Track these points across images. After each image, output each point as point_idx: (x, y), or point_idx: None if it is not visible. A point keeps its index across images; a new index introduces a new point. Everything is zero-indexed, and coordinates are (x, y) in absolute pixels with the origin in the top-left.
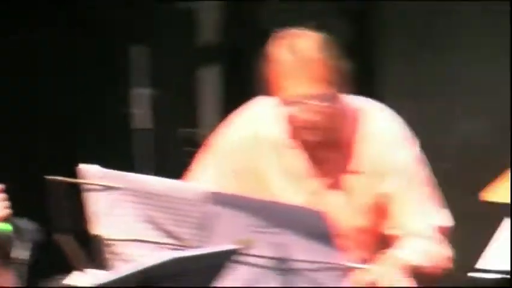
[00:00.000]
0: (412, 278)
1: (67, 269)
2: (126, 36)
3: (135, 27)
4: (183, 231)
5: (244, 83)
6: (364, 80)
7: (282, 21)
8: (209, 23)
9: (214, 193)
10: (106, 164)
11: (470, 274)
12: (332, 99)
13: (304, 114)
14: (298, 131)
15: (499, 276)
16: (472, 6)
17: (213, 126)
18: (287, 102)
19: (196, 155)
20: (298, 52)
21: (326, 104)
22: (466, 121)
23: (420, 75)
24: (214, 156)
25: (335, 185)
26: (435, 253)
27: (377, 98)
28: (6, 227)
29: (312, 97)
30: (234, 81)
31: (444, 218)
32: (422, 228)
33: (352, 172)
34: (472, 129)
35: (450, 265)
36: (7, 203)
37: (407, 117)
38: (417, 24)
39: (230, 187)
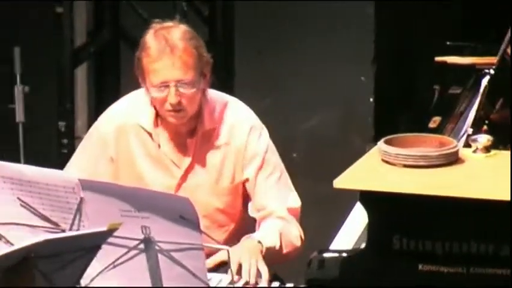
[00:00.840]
0: (268, 258)
1: None
2: (6, 39)
3: (16, 30)
4: (57, 215)
5: (112, 78)
6: (222, 77)
7: (141, 21)
8: (78, 24)
9: (81, 180)
10: None
11: (321, 253)
12: (196, 85)
13: (171, 98)
14: (164, 114)
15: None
16: (313, 8)
17: (85, 120)
18: (155, 87)
19: (72, 146)
20: (167, 40)
21: (190, 88)
22: (314, 113)
23: (273, 72)
24: (91, 145)
25: (198, 169)
26: (287, 232)
27: (233, 92)
28: None
29: (178, 81)
30: (102, 77)
31: (295, 200)
32: (277, 209)
33: (215, 157)
34: (320, 121)
35: (300, 243)
36: None
37: (259, 111)
38: (268, 27)
39: (108, 174)
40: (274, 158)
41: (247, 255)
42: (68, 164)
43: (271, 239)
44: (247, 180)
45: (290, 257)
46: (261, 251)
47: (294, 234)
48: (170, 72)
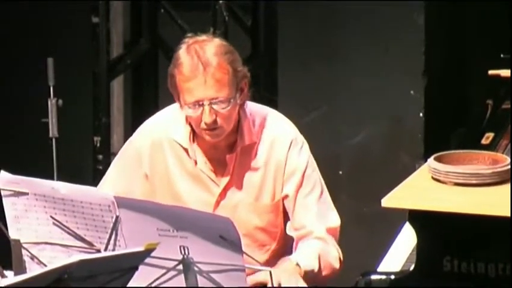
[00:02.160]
0: (306, 280)
1: None
2: (40, 50)
3: (48, 42)
4: (92, 234)
5: (149, 90)
6: (266, 89)
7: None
8: (114, 34)
9: (117, 198)
10: (23, 171)
11: (369, 276)
12: (232, 102)
13: (205, 117)
14: (200, 133)
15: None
16: (359, 18)
17: (122, 134)
18: (189, 105)
19: (108, 162)
20: (199, 56)
21: (225, 106)
22: (362, 129)
23: (319, 85)
24: (125, 161)
25: (237, 186)
26: (326, 254)
27: (276, 107)
28: None
29: (212, 100)
30: (139, 90)
31: (335, 219)
32: (316, 229)
33: (254, 174)
34: (367, 137)
35: (338, 265)
36: None
37: (303, 125)
38: (312, 37)
39: (143, 191)
40: (315, 174)
41: (286, 276)
42: (102, 181)
43: (309, 262)
44: (286, 196)
45: (328, 278)
46: (300, 274)
47: (333, 256)
48: (203, 91)
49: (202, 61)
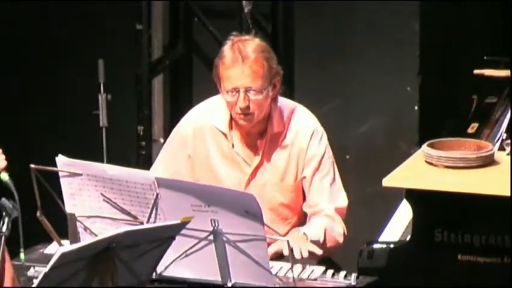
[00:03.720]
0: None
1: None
2: (92, 52)
3: (99, 46)
4: (136, 209)
5: (185, 88)
6: (284, 85)
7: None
8: (155, 40)
9: (157, 178)
10: (77, 155)
11: (371, 245)
12: (264, 92)
13: (240, 103)
14: (235, 117)
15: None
16: (364, 26)
17: (161, 124)
18: (227, 91)
19: (149, 148)
20: (240, 51)
21: (258, 95)
22: (366, 121)
23: (330, 83)
24: (173, 145)
25: (266, 167)
26: (331, 229)
27: (294, 99)
28: (5, 176)
29: (247, 88)
30: (176, 87)
31: (343, 200)
32: (326, 208)
33: (280, 158)
34: (370, 127)
35: (342, 239)
36: (3, 156)
37: (317, 117)
38: (325, 40)
39: (187, 169)
40: (330, 161)
41: (295, 241)
42: (154, 165)
43: (315, 233)
44: (304, 178)
45: (332, 250)
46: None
47: (337, 231)
48: (240, 79)
49: (242, 55)
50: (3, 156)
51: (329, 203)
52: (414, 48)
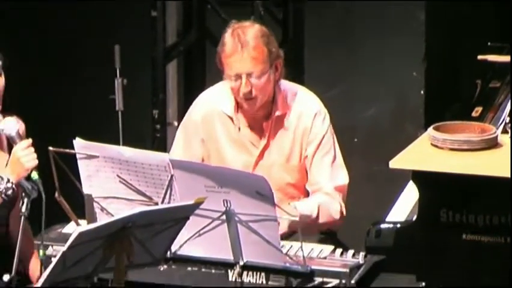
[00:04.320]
0: (306, 224)
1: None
2: (109, 39)
3: (116, 32)
4: (151, 190)
5: (198, 73)
6: (294, 70)
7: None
8: (169, 26)
9: (172, 160)
10: (94, 138)
11: (378, 225)
12: (266, 76)
13: (242, 88)
14: (241, 102)
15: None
16: (373, 14)
17: (176, 108)
18: (230, 78)
19: (164, 131)
20: (240, 38)
21: (259, 79)
22: (374, 104)
23: (338, 68)
24: (187, 131)
25: (272, 149)
26: (327, 205)
27: (303, 85)
28: (35, 175)
29: (248, 74)
30: (190, 72)
31: (343, 178)
32: (325, 186)
33: (286, 139)
34: (378, 111)
35: (338, 216)
36: (35, 155)
37: (326, 101)
38: (334, 28)
39: (201, 152)
40: (332, 141)
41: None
42: (172, 149)
43: (307, 208)
44: (306, 157)
45: (327, 226)
46: (296, 214)
47: (334, 208)
48: (241, 65)
49: (241, 42)
50: (35, 155)
51: (328, 181)
52: (420, 35)
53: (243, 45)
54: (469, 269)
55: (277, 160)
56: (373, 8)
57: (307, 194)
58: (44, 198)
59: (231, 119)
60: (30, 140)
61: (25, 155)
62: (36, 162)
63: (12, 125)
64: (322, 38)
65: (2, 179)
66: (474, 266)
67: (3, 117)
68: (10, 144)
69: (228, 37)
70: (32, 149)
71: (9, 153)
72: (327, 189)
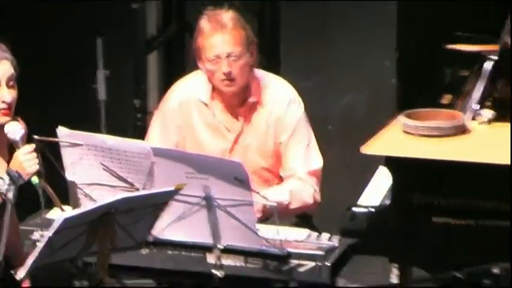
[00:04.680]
0: (279, 211)
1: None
2: (90, 29)
3: (97, 24)
4: (132, 177)
5: (178, 64)
6: (270, 61)
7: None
8: (150, 19)
9: (153, 148)
10: (77, 127)
11: (352, 209)
12: (245, 58)
13: (224, 67)
14: (219, 85)
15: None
16: (347, 7)
17: (156, 98)
18: (210, 60)
19: (145, 120)
20: (218, 21)
21: (239, 60)
22: (347, 93)
23: (315, 59)
24: (162, 116)
25: (247, 134)
26: (299, 191)
27: (279, 74)
28: (35, 179)
29: (229, 54)
30: (170, 63)
31: (317, 162)
32: (298, 172)
33: (260, 124)
34: (352, 99)
35: (312, 201)
36: (37, 160)
37: (302, 91)
38: (309, 21)
39: (175, 140)
40: (306, 127)
41: None
42: (148, 139)
43: (277, 195)
44: (280, 143)
45: (302, 211)
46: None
47: (306, 193)
48: (221, 46)
49: (220, 23)
50: (36, 160)
51: (302, 167)
52: (392, 26)
53: (222, 26)
54: (440, 250)
55: (252, 145)
56: (347, 0)
57: (281, 178)
58: (43, 205)
59: (207, 105)
60: (33, 145)
61: (27, 159)
62: (37, 167)
63: (17, 129)
64: (297, 32)
65: (3, 180)
66: (445, 248)
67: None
68: (11, 146)
69: (205, 22)
70: (35, 154)
71: (10, 155)
72: (300, 175)
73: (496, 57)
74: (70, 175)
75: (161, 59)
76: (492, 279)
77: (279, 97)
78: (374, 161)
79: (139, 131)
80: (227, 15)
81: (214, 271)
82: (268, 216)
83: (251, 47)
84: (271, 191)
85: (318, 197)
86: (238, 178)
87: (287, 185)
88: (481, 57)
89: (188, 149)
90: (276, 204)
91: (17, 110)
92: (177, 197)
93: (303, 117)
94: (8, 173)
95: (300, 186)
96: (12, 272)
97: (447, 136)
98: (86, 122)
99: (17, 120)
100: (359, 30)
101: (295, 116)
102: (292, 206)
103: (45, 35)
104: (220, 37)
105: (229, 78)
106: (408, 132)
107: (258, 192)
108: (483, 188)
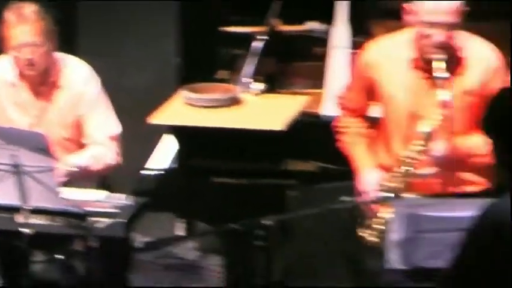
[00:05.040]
0: (84, 173)
1: None
2: None
3: None
4: None
5: None
6: (68, 46)
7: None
8: None
9: None
10: None
11: (142, 172)
12: (44, 46)
13: (26, 54)
14: (22, 69)
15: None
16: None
17: None
18: (14, 48)
19: None
20: (20, 13)
21: (39, 48)
22: (135, 73)
23: (109, 42)
24: None
25: (49, 109)
26: (101, 155)
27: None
28: None
29: (29, 44)
30: None
31: (115, 129)
32: (98, 138)
33: (60, 100)
34: (144, 78)
35: (115, 162)
36: None
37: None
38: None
39: None
40: (103, 100)
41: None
42: None
43: (79, 160)
44: (80, 116)
45: (106, 172)
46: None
47: (109, 156)
48: (23, 36)
49: (22, 16)
50: None
51: (103, 133)
52: (177, 13)
53: (25, 18)
54: (219, 207)
55: (54, 119)
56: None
57: (82, 146)
58: None
59: (14, 85)
60: None
61: None
62: None
63: None
64: (95, 19)
65: None
66: (224, 204)
67: None
68: None
69: (9, 13)
70: None
71: None
72: (102, 140)
73: (264, 37)
74: None
75: None
76: (263, 229)
77: (77, 76)
78: (163, 131)
79: None
80: (29, 8)
81: (22, 229)
82: (72, 179)
83: (50, 35)
84: (73, 157)
85: (120, 158)
86: (40, 147)
87: (90, 150)
88: (250, 37)
89: None
90: (77, 168)
91: None
92: None
93: (101, 92)
94: None
95: (102, 150)
96: None
97: (223, 107)
98: None
99: None
100: (150, 16)
101: (93, 91)
102: (96, 167)
103: None
104: (22, 28)
105: (31, 63)
106: (190, 104)
107: (58, 159)
108: (255, 151)
